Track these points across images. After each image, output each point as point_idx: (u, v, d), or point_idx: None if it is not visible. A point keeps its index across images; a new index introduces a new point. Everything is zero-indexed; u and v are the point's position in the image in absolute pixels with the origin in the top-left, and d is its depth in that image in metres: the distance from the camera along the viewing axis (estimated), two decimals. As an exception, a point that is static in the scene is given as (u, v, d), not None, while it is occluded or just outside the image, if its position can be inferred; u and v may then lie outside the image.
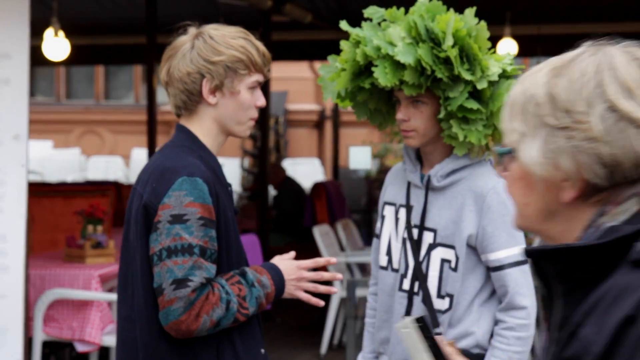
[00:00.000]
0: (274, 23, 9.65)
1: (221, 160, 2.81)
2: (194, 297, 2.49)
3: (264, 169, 9.35)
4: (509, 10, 8.29)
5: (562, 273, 1.41)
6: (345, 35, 2.98)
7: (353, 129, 16.00)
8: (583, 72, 1.42)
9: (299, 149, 17.37)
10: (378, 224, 3.10)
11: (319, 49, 11.90)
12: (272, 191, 10.63)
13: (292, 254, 2.78)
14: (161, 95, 17.66)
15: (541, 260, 1.44)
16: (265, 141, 9.35)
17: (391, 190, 3.05)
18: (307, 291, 2.72)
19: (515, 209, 1.52)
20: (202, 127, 2.68)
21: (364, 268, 8.11)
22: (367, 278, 6.89)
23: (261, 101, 2.71)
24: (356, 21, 3.04)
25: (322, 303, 2.75)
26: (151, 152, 7.76)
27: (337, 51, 2.97)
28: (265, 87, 10.79)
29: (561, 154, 1.41)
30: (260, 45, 2.69)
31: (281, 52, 10.87)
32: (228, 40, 2.64)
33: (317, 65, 17.48)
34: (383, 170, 12.07)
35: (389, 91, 2.97)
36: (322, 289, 2.72)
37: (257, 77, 2.69)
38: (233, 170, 15.36)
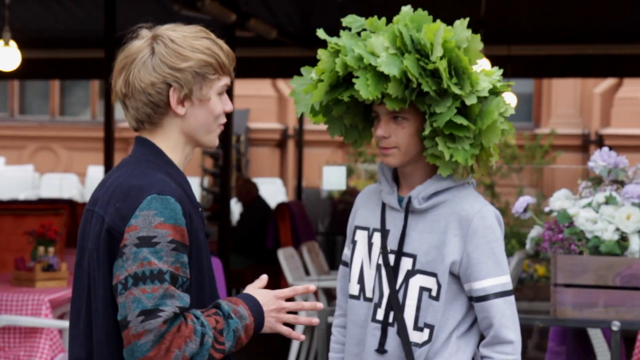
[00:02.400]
0: (237, 38, 9.36)
1: None
2: (164, 329, 2.17)
3: (226, 188, 9.01)
4: (482, 29, 8.06)
5: None
6: (310, 53, 2.72)
7: (316, 148, 15.73)
8: None
9: (261, 168, 17.05)
10: (346, 250, 2.91)
11: (283, 66, 11.67)
12: (235, 209, 10.30)
13: (264, 279, 2.47)
14: (119, 112, 17.25)
15: None
16: (228, 160, 9.03)
17: (363, 214, 2.84)
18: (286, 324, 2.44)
19: None
20: (168, 141, 2.40)
21: (329, 293, 7.80)
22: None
23: (229, 106, 2.45)
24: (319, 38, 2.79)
25: (303, 337, 2.48)
26: (108, 169, 7.38)
27: (300, 69, 2.75)
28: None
29: None
30: (223, 44, 2.43)
31: (244, 69, 10.60)
32: (191, 42, 2.36)
33: (280, 83, 17.23)
34: (347, 192, 11.80)
35: (367, 106, 2.77)
36: (303, 320, 2.44)
37: (226, 81, 2.42)
38: (193, 189, 14.98)
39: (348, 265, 2.87)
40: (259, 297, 2.38)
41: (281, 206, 9.33)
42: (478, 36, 2.66)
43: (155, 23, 2.41)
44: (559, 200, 4.06)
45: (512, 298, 2.68)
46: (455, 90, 2.58)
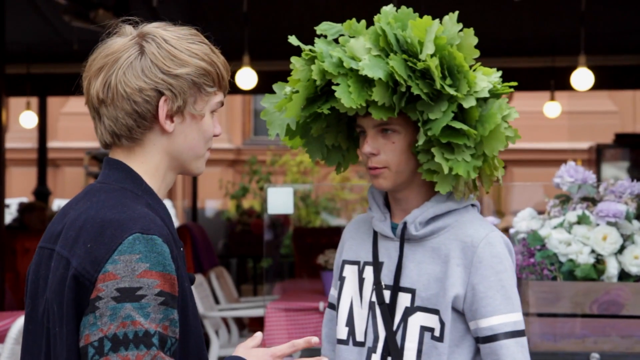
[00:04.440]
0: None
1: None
2: None
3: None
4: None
5: None
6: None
7: (206, 167, 15.19)
8: None
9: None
10: (332, 291, 2.53)
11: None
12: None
13: (258, 338, 2.02)
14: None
15: None
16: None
17: (351, 246, 2.48)
18: None
19: None
20: (148, 164, 1.95)
21: (241, 323, 7.32)
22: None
23: (219, 129, 2.05)
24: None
25: None
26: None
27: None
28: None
29: None
30: (220, 54, 2.01)
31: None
32: (188, 45, 1.94)
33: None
34: (243, 213, 11.35)
35: (350, 122, 2.42)
36: None
37: (221, 97, 2.02)
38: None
39: (335, 307, 2.49)
40: (252, 359, 1.95)
41: (181, 230, 8.80)
42: (471, 30, 2.31)
43: (139, 21, 1.97)
44: (525, 221, 3.71)
45: (524, 340, 2.31)
46: (451, 91, 2.23)
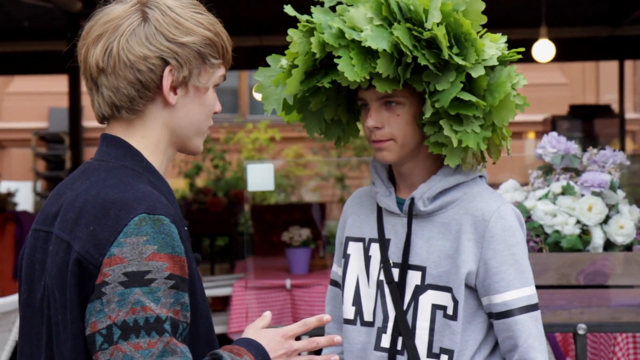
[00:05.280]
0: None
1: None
2: None
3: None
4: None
5: None
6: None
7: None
8: None
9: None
10: (335, 268, 2.47)
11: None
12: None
13: (268, 317, 1.95)
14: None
15: None
16: (79, 161, 8.31)
17: (354, 222, 2.40)
18: None
19: None
20: (148, 139, 1.86)
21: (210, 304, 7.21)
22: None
23: (219, 106, 1.95)
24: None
25: None
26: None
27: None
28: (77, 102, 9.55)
29: None
30: (223, 26, 1.93)
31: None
32: (193, 14, 1.85)
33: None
34: (199, 191, 11.24)
35: (350, 95, 2.35)
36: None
37: (224, 71, 1.93)
38: (26, 195, 14.01)
39: (339, 284, 2.43)
40: (263, 341, 1.87)
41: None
42: None
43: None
44: (508, 193, 3.67)
45: (538, 313, 2.28)
46: (459, 61, 2.17)
